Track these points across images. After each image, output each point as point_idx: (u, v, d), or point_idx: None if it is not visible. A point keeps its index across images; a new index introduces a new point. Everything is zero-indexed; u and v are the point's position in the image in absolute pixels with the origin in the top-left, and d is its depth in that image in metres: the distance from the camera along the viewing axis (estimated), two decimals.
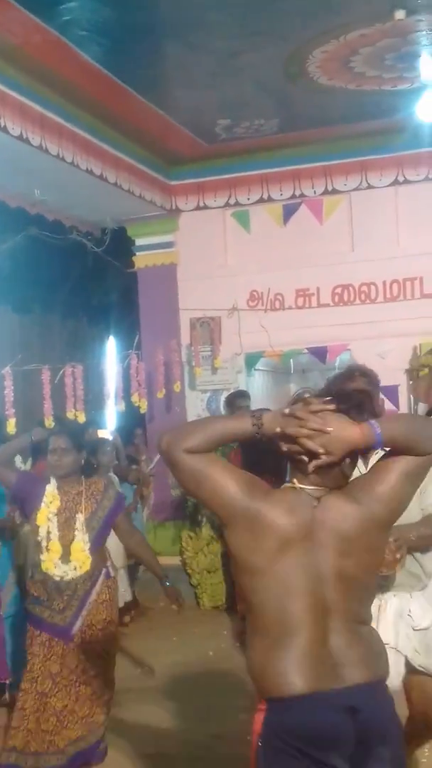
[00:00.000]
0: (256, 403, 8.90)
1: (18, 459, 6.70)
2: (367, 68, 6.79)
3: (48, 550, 4.44)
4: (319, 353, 8.73)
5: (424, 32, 6.19)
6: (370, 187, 8.63)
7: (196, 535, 8.43)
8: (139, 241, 9.32)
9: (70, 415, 7.52)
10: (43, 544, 4.46)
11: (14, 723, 4.38)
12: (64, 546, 4.43)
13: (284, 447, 2.45)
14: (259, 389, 9.51)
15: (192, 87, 7.00)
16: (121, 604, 6.32)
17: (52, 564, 4.41)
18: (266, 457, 7.91)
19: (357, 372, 3.84)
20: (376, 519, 2.47)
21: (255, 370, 9.27)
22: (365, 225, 8.68)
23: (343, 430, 2.41)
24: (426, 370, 8.19)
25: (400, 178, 8.54)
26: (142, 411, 8.42)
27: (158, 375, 8.49)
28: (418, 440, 2.45)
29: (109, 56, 6.26)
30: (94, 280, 10.19)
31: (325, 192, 8.76)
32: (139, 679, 5.99)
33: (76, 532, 4.44)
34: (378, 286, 8.60)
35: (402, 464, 2.47)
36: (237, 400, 8.42)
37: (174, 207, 9.15)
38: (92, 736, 4.44)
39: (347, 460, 2.49)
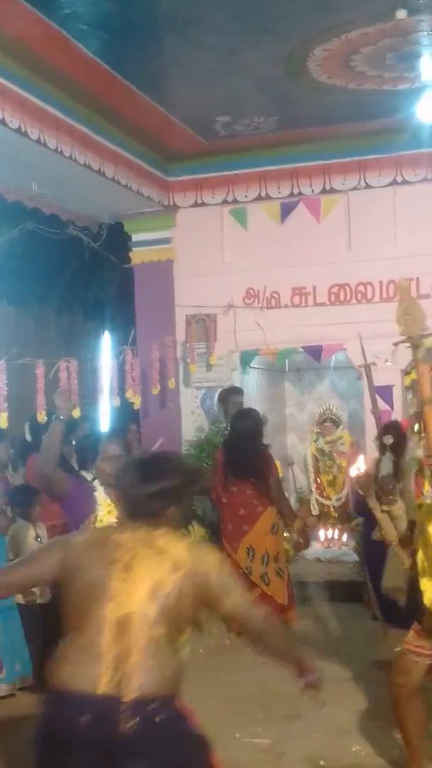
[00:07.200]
0: (250, 401, 8.91)
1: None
2: (367, 67, 6.78)
3: None
4: (314, 352, 8.73)
5: (425, 32, 6.18)
6: (368, 186, 8.63)
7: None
8: (136, 237, 9.30)
9: None
10: None
11: None
12: None
13: None
14: (253, 387, 9.51)
15: (192, 84, 6.98)
16: None
17: None
18: (247, 458, 7.84)
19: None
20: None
21: (250, 367, 9.27)
22: (362, 225, 8.68)
23: None
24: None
25: (399, 179, 8.53)
26: (136, 407, 8.40)
27: (153, 371, 8.47)
28: None
29: (109, 51, 6.25)
30: (91, 275, 10.18)
31: (323, 191, 8.75)
32: None
33: None
34: (374, 286, 8.60)
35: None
36: (230, 396, 8.40)
37: (171, 203, 9.13)
38: None
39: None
